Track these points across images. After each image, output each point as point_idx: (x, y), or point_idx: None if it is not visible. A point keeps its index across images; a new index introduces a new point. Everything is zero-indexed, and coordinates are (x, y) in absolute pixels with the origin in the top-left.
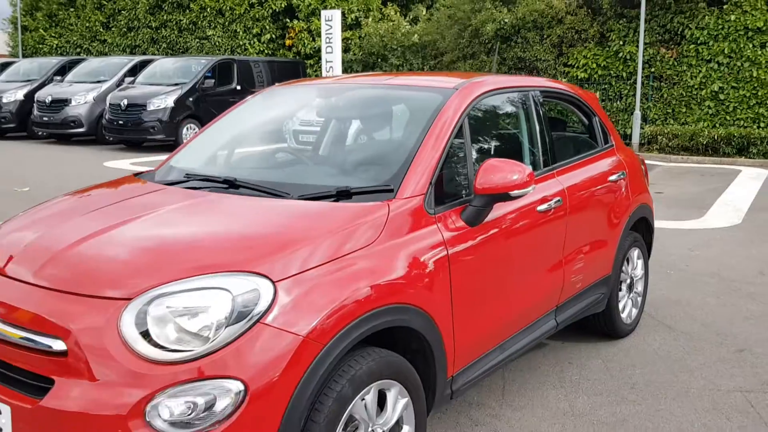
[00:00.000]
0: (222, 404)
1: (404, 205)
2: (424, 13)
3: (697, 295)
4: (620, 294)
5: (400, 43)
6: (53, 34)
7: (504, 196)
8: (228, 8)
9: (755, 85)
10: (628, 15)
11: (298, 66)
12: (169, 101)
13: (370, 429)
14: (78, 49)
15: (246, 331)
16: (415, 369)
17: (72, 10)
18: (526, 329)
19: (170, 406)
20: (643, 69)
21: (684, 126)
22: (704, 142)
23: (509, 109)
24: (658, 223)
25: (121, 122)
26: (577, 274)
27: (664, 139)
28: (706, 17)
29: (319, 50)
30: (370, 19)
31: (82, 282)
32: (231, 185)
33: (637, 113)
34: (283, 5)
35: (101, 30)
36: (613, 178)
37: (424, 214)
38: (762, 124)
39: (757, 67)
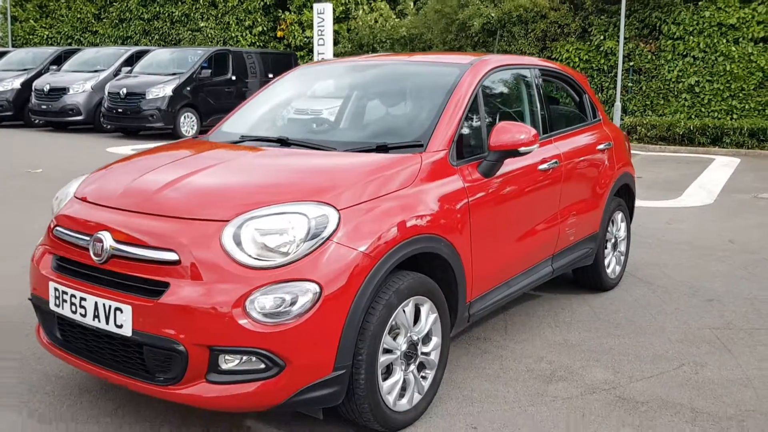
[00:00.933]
0: (302, 301)
1: (432, 157)
2: (411, 7)
3: (672, 259)
4: (606, 251)
5: (389, 36)
6: (44, 25)
7: (513, 152)
8: (221, 0)
9: (728, 78)
10: (609, 11)
11: (290, 57)
12: (168, 90)
13: (408, 335)
14: (69, 40)
15: (319, 246)
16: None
17: (63, 1)
18: (528, 271)
19: (263, 301)
20: (623, 63)
21: (662, 117)
22: (681, 133)
23: (513, 82)
24: (637, 202)
25: (120, 110)
26: (570, 228)
27: (643, 129)
28: (682, 13)
29: (309, 42)
30: (361, 12)
31: (188, 209)
32: (283, 143)
33: (618, 105)
34: None
35: (93, 21)
36: (600, 147)
37: (448, 165)
38: (735, 116)
39: (730, 61)
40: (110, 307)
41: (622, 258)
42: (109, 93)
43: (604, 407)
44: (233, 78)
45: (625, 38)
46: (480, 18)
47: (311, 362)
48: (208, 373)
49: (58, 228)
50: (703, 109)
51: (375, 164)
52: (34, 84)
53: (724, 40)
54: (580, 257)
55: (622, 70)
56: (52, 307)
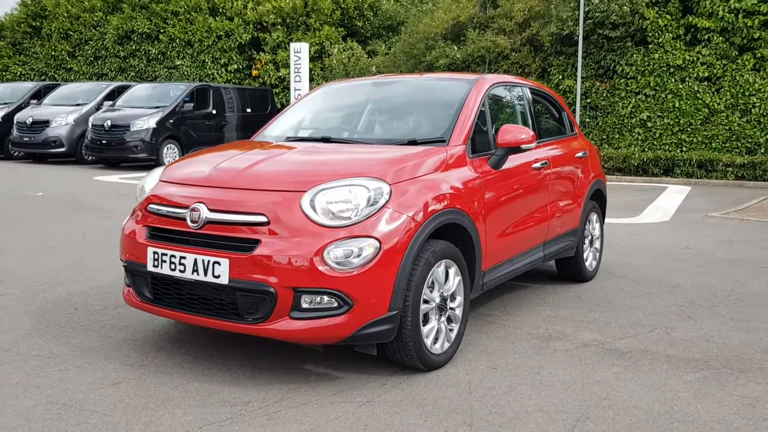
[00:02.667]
0: (366, 252)
1: (454, 150)
2: (382, 47)
3: (638, 260)
4: (584, 246)
5: (361, 73)
6: (17, 62)
7: (517, 149)
8: (197, 40)
9: (677, 114)
10: (567, 52)
11: (267, 93)
12: (152, 122)
13: (440, 290)
14: (43, 77)
15: (377, 211)
16: None
17: (37, 39)
18: (526, 252)
19: (336, 252)
20: (580, 100)
21: (617, 150)
22: (635, 164)
23: (509, 96)
24: None
25: (104, 142)
26: (557, 220)
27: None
28: (634, 55)
29: (283, 80)
30: (336, 51)
31: (270, 183)
32: (326, 141)
33: None
34: (249, 38)
35: (67, 59)
36: (579, 155)
37: (466, 157)
38: (684, 148)
39: (678, 98)
40: (209, 261)
41: (597, 254)
42: (93, 125)
43: (596, 355)
44: (213, 112)
45: (582, 77)
46: (446, 59)
47: (372, 302)
48: (292, 311)
49: (152, 205)
50: (655, 142)
51: (412, 152)
52: (16, 117)
53: (672, 79)
54: (565, 248)
55: (580, 107)
56: (149, 268)
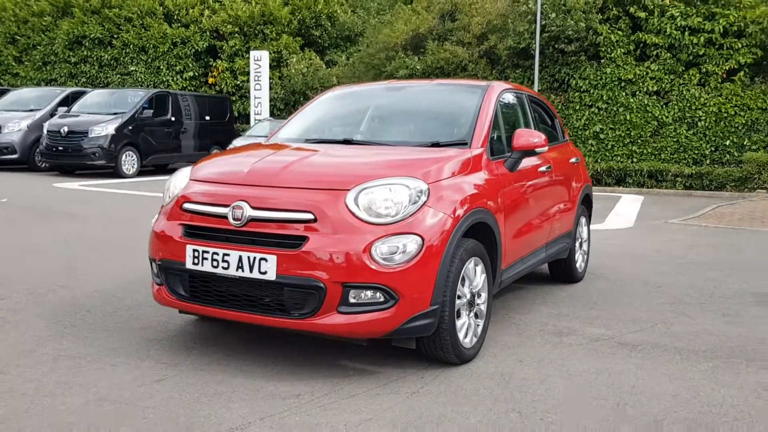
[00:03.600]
0: (411, 248)
1: (476, 152)
2: (341, 58)
3: (617, 263)
4: (576, 248)
5: (321, 83)
6: None
7: (531, 152)
8: (151, 46)
9: (628, 126)
10: (523, 65)
11: (225, 101)
12: (110, 129)
13: (470, 286)
14: None
15: (419, 209)
16: None
17: None
18: (532, 253)
19: (383, 248)
20: None
21: None
22: (589, 174)
23: (515, 102)
24: None
25: (60, 148)
26: (556, 222)
27: None
28: (587, 69)
29: (240, 88)
30: (295, 60)
31: (313, 182)
32: (348, 143)
33: None
34: (205, 45)
35: (13, 64)
36: (572, 161)
37: (487, 160)
38: (635, 159)
39: (629, 111)
40: (255, 258)
41: (585, 256)
42: (48, 131)
43: (610, 348)
44: (172, 119)
45: (538, 90)
46: (405, 70)
47: (416, 297)
48: (339, 305)
49: (188, 204)
50: (607, 153)
51: (443, 154)
52: None
53: (624, 93)
54: (562, 249)
55: None
56: (188, 266)
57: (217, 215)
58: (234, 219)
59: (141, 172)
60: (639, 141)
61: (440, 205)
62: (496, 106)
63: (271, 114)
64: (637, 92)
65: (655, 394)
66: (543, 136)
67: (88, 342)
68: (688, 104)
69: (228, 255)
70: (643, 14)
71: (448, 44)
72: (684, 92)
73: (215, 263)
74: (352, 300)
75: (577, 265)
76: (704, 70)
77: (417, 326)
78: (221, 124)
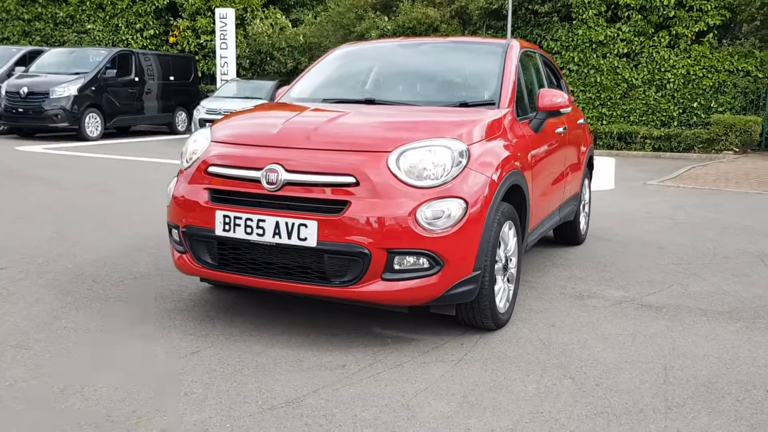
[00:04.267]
0: (455, 213)
1: (505, 112)
2: (308, 16)
3: (612, 224)
4: (580, 210)
5: (288, 43)
6: None
7: (556, 113)
8: (109, 3)
9: (599, 89)
10: (495, 26)
11: (190, 60)
12: (73, 90)
13: (504, 249)
14: None
15: (461, 171)
16: None
17: None
18: (549, 216)
19: (428, 212)
20: None
21: None
22: None
23: (531, 62)
24: None
25: (20, 110)
26: (568, 185)
27: None
28: (559, 31)
29: (203, 47)
30: (258, 20)
31: (351, 143)
32: (371, 103)
33: None
34: (165, 2)
35: None
36: (581, 121)
37: (515, 120)
38: (605, 122)
39: (600, 73)
40: (293, 224)
41: (587, 218)
42: (6, 92)
43: (636, 311)
44: (136, 79)
45: None
46: (376, 30)
47: (461, 263)
48: (384, 272)
49: (213, 167)
50: None
51: (475, 116)
52: None
53: (595, 55)
54: (570, 212)
55: None
56: (219, 233)
57: (248, 179)
58: (268, 183)
59: (104, 135)
60: (609, 103)
61: (481, 168)
62: (518, 65)
63: (237, 74)
64: (608, 54)
65: (698, 357)
66: (566, 96)
67: (105, 314)
68: (658, 66)
69: (263, 221)
70: None
71: (419, 4)
72: (654, 54)
73: (249, 230)
74: (396, 267)
75: (581, 227)
76: (674, 32)
77: (461, 292)
78: (185, 85)
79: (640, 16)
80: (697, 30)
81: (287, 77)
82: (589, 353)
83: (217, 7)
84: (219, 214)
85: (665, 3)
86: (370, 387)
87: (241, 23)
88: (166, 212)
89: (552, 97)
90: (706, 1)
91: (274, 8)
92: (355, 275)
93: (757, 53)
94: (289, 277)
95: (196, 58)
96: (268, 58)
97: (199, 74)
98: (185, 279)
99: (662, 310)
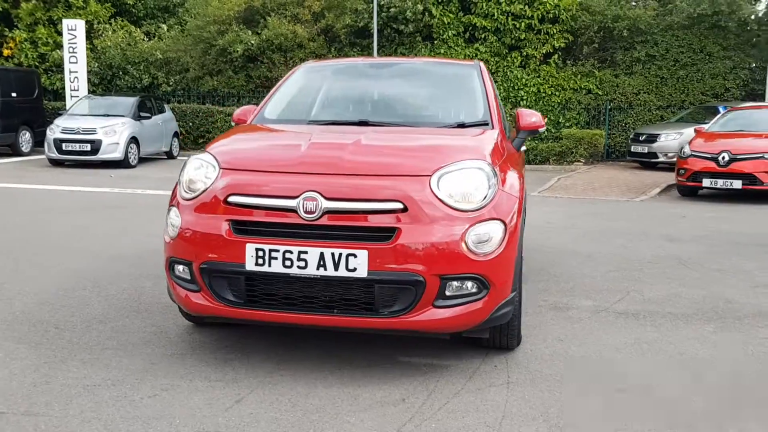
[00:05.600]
0: (497, 234)
1: (498, 132)
2: (163, 29)
3: (530, 235)
4: None
5: (142, 57)
6: None
7: (534, 132)
8: None
9: None
10: (361, 44)
11: (33, 76)
12: None
13: None
14: None
15: (496, 193)
16: None
17: None
18: None
19: (475, 236)
20: None
21: None
22: None
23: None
24: None
25: None
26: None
27: None
28: (422, 50)
29: (44, 60)
30: (111, 32)
31: (388, 168)
32: (364, 124)
33: None
34: None
35: None
36: None
37: (505, 138)
38: None
39: None
40: (340, 254)
41: None
42: None
43: (617, 319)
44: None
45: None
46: (241, 44)
47: (504, 285)
48: (436, 299)
49: (234, 196)
50: None
51: (486, 136)
52: None
53: None
54: None
55: None
56: (250, 267)
57: (281, 208)
58: (306, 212)
59: None
60: None
61: (509, 189)
62: (493, 84)
63: (86, 90)
64: None
65: (711, 358)
66: (539, 115)
67: (102, 366)
68: (512, 84)
69: (305, 252)
70: None
71: (284, 20)
72: (508, 73)
73: (288, 263)
74: (448, 293)
75: None
76: (525, 53)
77: (501, 315)
78: (29, 102)
79: (495, 37)
80: (545, 51)
81: (145, 93)
82: (613, 365)
83: (62, 17)
84: (250, 248)
85: (517, 26)
86: (449, 420)
87: (88, 36)
88: (163, 247)
89: (529, 117)
90: (551, 25)
91: (122, 20)
92: (407, 304)
93: (596, 73)
94: (330, 311)
95: (40, 71)
96: (121, 73)
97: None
98: (156, 319)
99: (639, 318)
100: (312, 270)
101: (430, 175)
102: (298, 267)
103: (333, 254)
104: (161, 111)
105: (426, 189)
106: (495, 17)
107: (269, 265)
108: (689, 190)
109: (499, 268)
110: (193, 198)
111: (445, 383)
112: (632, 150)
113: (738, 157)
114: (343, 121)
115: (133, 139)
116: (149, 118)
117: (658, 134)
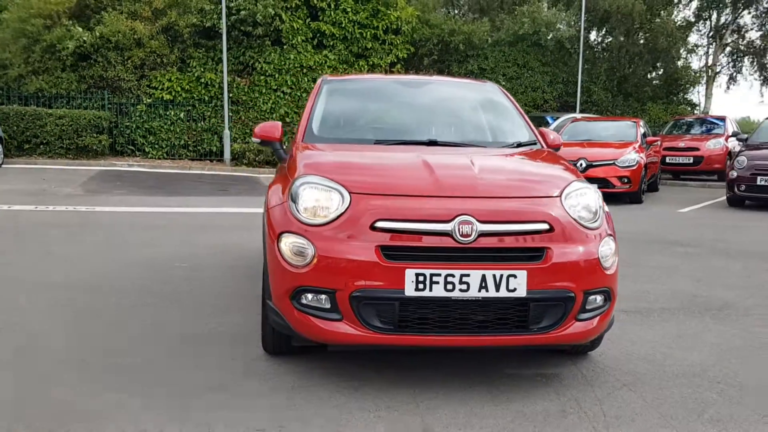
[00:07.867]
0: (614, 248)
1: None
2: None
3: None
4: None
5: None
6: None
7: (557, 149)
8: None
9: None
10: (206, 45)
11: None
12: None
13: None
14: None
15: (603, 211)
16: None
17: None
18: None
19: (602, 251)
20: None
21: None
22: None
23: None
24: None
25: None
26: None
27: (251, 154)
28: (272, 54)
29: None
30: None
31: (525, 190)
32: (434, 143)
33: (227, 132)
34: None
35: None
36: None
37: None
38: None
39: None
40: (501, 276)
41: None
42: None
43: (628, 316)
44: None
45: (227, 73)
46: (72, 41)
47: (616, 296)
48: (579, 313)
49: (382, 221)
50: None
51: (554, 156)
52: None
53: (306, 79)
54: None
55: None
56: (410, 293)
57: (436, 232)
58: (462, 235)
59: None
60: None
61: (604, 205)
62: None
63: None
64: (318, 78)
65: (753, 347)
66: (557, 133)
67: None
68: None
69: (467, 275)
70: (322, 3)
71: (122, 16)
72: None
73: (450, 286)
74: (588, 307)
75: None
76: (371, 62)
77: (611, 322)
78: None
79: (343, 45)
80: (389, 61)
81: None
82: (674, 360)
83: None
84: (410, 273)
85: (363, 35)
86: (606, 428)
87: None
88: (270, 276)
89: (551, 134)
90: (395, 36)
91: None
92: (556, 319)
93: None
94: (484, 331)
95: None
96: None
97: None
98: (198, 356)
99: (638, 315)
100: (474, 292)
101: (560, 196)
102: (460, 290)
103: (494, 276)
104: None
105: (561, 208)
106: (343, 25)
107: (430, 290)
108: None
109: (616, 280)
110: (325, 224)
111: (566, 392)
112: None
113: (594, 163)
114: (412, 141)
115: None
116: None
117: None
